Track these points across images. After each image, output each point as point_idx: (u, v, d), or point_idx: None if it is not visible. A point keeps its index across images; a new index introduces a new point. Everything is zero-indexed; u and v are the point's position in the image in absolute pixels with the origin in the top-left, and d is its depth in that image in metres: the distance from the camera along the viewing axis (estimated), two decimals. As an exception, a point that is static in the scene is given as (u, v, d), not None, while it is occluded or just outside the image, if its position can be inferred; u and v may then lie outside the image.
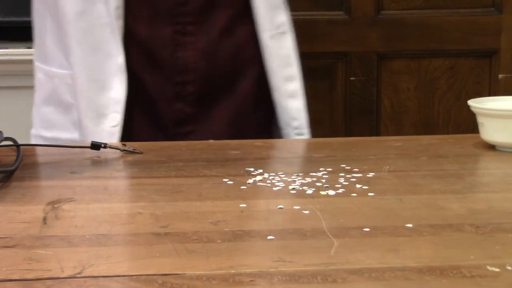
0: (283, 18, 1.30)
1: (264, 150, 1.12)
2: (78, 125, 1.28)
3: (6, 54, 2.18)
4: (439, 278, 0.63)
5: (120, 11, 1.24)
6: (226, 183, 0.94)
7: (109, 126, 1.24)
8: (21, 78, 2.10)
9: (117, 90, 1.25)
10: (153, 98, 1.27)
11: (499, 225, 0.77)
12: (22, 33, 2.22)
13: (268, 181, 0.94)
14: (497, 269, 0.65)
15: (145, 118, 1.24)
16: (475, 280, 0.63)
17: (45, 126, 1.35)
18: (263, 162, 1.05)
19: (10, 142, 1.10)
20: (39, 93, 1.35)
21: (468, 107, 1.13)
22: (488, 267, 0.65)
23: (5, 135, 1.07)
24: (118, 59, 1.24)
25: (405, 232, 0.75)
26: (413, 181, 0.95)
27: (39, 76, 1.35)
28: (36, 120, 1.37)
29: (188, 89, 1.27)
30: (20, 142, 1.11)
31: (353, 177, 0.96)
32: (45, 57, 1.33)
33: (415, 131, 2.41)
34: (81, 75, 1.26)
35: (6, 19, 2.25)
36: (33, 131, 1.37)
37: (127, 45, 1.26)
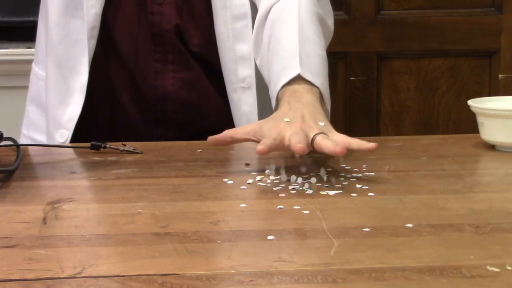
0: (248, 71, 1.25)
1: (264, 150, 1.12)
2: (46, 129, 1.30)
3: (6, 54, 2.18)
4: (439, 278, 0.63)
5: (95, 32, 1.23)
6: (226, 183, 0.94)
7: (58, 141, 1.25)
8: (21, 78, 2.10)
9: (73, 107, 1.25)
10: (135, 122, 1.27)
11: (499, 225, 0.77)
12: (22, 33, 2.22)
13: (268, 181, 0.94)
14: (497, 269, 0.65)
15: (128, 139, 1.22)
16: (475, 280, 0.63)
17: (26, 125, 1.38)
18: (263, 162, 1.05)
19: (10, 142, 1.10)
20: (29, 92, 1.39)
21: (468, 107, 1.13)
22: (488, 267, 0.65)
23: (5, 135, 1.07)
24: (82, 78, 1.24)
25: (405, 232, 0.75)
26: (413, 181, 0.95)
27: (31, 76, 1.38)
28: (24, 118, 1.39)
29: (169, 115, 1.27)
30: (18, 140, 1.11)
31: (353, 177, 0.96)
32: (37, 59, 1.36)
33: (415, 131, 2.41)
34: (48, 84, 1.27)
35: (6, 19, 2.25)
36: (22, 128, 1.40)
37: (108, 66, 1.26)
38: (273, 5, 1.18)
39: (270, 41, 1.15)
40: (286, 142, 0.94)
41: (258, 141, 0.97)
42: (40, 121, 1.33)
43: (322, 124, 0.97)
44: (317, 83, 1.06)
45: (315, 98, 1.04)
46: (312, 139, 0.94)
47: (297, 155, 1.02)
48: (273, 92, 1.08)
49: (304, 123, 0.96)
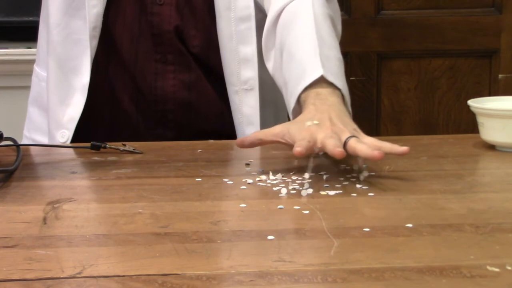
0: (251, 73, 1.24)
1: (264, 150, 1.12)
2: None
3: (6, 54, 2.18)
4: (439, 278, 0.63)
5: (97, 32, 1.23)
6: (226, 183, 0.94)
7: (59, 141, 1.25)
8: (21, 78, 2.11)
9: (74, 107, 1.24)
10: (135, 122, 1.27)
11: (499, 225, 0.77)
12: (22, 33, 2.22)
13: (268, 181, 0.94)
14: (497, 269, 0.65)
15: (127, 139, 1.21)
16: (475, 280, 0.63)
17: (28, 126, 1.38)
18: (263, 162, 1.05)
19: (10, 142, 1.10)
20: (31, 93, 1.38)
21: (468, 107, 1.13)
22: (488, 267, 0.65)
23: (5, 135, 1.07)
24: (84, 78, 1.23)
25: (405, 232, 0.75)
26: (413, 181, 0.95)
27: (32, 77, 1.38)
28: (26, 120, 1.39)
29: (169, 117, 1.27)
30: (20, 142, 1.11)
31: (353, 177, 0.96)
32: (39, 60, 1.36)
33: (415, 131, 2.41)
34: (50, 84, 1.27)
35: (6, 19, 2.25)
36: (24, 130, 1.40)
37: (109, 66, 1.26)
38: (284, 7, 1.17)
39: (285, 43, 1.13)
40: (319, 145, 0.93)
41: (286, 143, 0.97)
42: (42, 122, 1.33)
43: (352, 127, 0.97)
44: (339, 85, 1.05)
45: (339, 100, 1.03)
46: (345, 142, 0.93)
47: (320, 154, 1.02)
48: (293, 94, 1.06)
49: (334, 125, 0.95)
